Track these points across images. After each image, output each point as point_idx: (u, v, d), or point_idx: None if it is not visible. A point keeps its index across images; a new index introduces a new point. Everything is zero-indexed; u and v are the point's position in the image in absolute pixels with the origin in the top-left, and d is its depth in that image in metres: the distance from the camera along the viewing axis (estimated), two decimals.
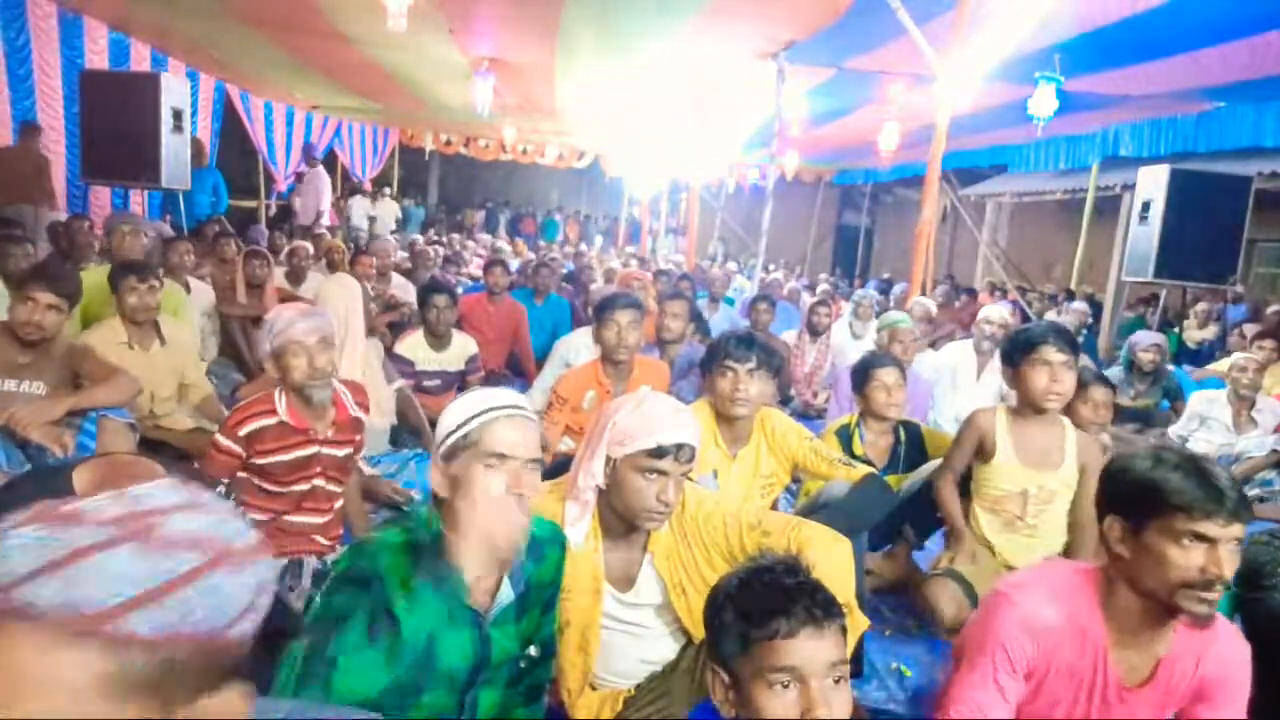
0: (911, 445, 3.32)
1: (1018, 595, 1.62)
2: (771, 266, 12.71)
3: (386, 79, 10.21)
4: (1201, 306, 8.97)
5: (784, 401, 5.71)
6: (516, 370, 5.97)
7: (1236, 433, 4.91)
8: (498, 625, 1.61)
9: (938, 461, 3.00)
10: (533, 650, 1.69)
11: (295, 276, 6.26)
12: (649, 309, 4.43)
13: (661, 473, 1.79)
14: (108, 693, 0.65)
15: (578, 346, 4.45)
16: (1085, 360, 5.48)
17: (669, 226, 19.99)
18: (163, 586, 0.69)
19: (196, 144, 9.11)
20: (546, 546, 1.71)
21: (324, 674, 1.38)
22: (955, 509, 2.79)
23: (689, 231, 12.13)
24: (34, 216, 6.89)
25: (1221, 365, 6.08)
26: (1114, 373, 5.75)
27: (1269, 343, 5.80)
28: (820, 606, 1.25)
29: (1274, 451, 4.47)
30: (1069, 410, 2.92)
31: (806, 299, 7.88)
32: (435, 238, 13.58)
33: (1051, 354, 2.55)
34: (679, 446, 1.79)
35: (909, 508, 3.03)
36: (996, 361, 5.43)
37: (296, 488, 2.63)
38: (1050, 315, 8.92)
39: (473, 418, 1.53)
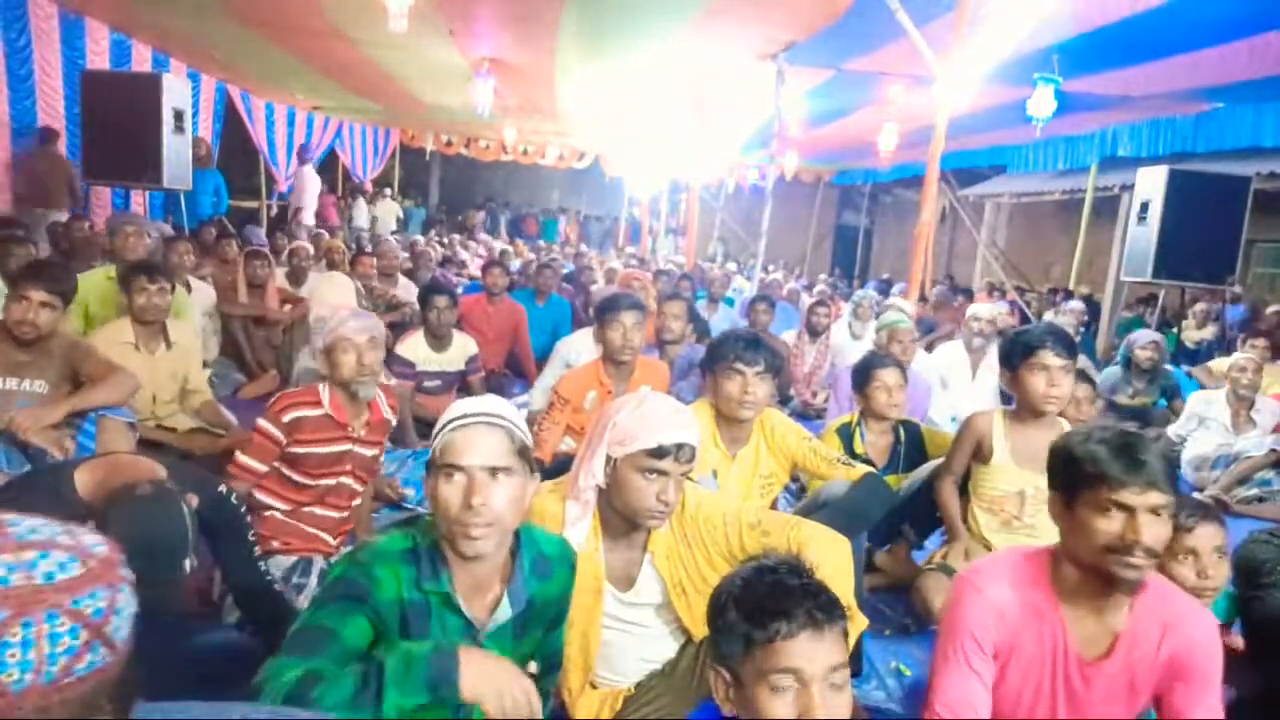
0: (911, 445, 3.34)
1: (977, 579, 1.70)
2: (771, 267, 12.72)
3: (387, 80, 10.23)
4: (1200, 307, 8.98)
5: (783, 401, 5.72)
6: (517, 370, 5.99)
7: (1235, 433, 4.92)
8: (494, 640, 1.58)
9: (937, 461, 3.02)
10: (532, 667, 1.65)
11: (295, 276, 6.27)
12: (649, 309, 4.45)
13: (662, 473, 1.80)
14: None
15: (578, 347, 4.46)
16: (1083, 361, 5.50)
17: (669, 226, 20.00)
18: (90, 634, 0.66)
19: (203, 145, 9.14)
20: (555, 565, 1.68)
21: (311, 685, 1.34)
22: (954, 511, 2.81)
23: (689, 232, 12.14)
24: (42, 218, 6.92)
25: (1219, 364, 6.08)
26: (1112, 371, 5.76)
27: (1261, 341, 5.81)
28: (822, 609, 1.26)
29: (1273, 451, 4.47)
30: None
31: (806, 299, 7.89)
32: (436, 238, 13.60)
33: (1049, 358, 2.56)
34: (679, 446, 1.80)
35: (909, 507, 3.05)
36: (990, 359, 5.47)
37: (324, 482, 2.66)
38: (1049, 315, 8.92)
39: (440, 430, 1.53)
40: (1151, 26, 5.61)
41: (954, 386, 5.39)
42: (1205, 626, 1.66)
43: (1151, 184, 7.27)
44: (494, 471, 1.49)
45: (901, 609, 2.98)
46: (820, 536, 1.95)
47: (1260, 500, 4.39)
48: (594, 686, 2.00)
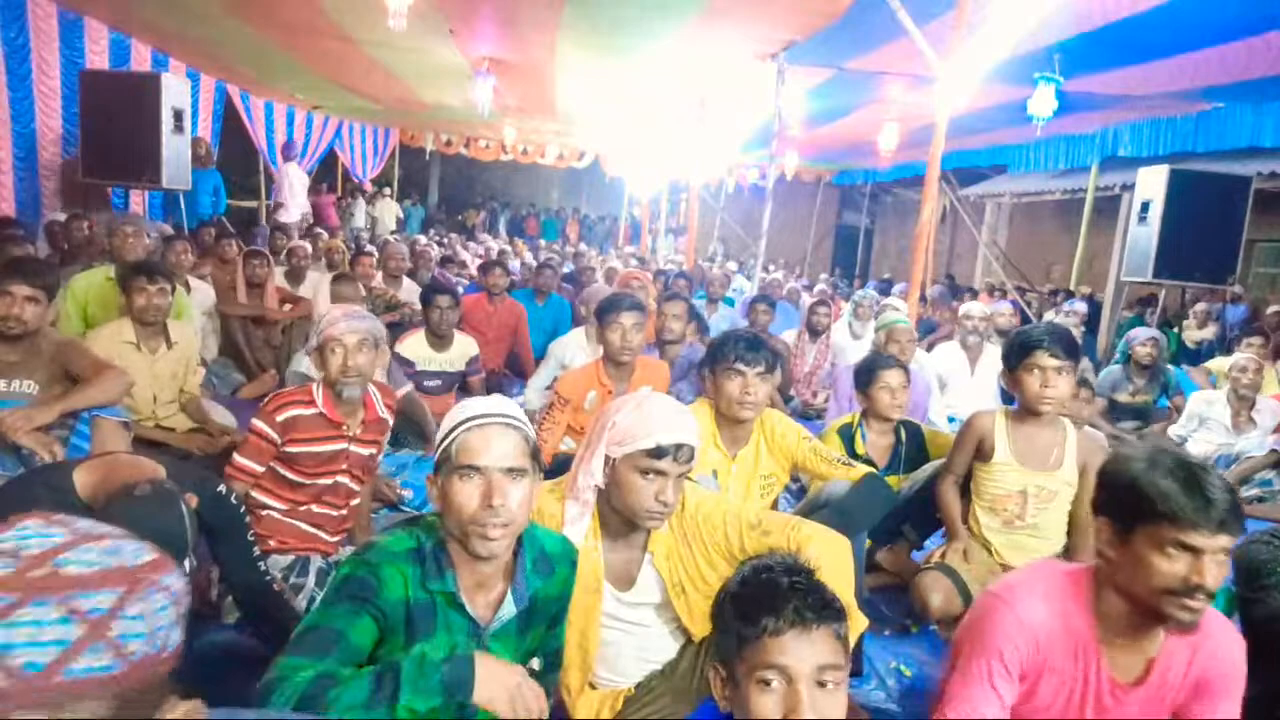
0: (912, 445, 3.34)
1: (1011, 597, 1.62)
2: (771, 266, 12.72)
3: (387, 79, 10.22)
4: (1200, 307, 8.98)
5: (784, 401, 5.72)
6: (517, 370, 5.98)
7: (1236, 433, 4.92)
8: (498, 638, 1.60)
9: (939, 462, 3.02)
10: (535, 664, 1.67)
11: (295, 276, 6.27)
12: (649, 309, 4.44)
13: (661, 473, 1.80)
14: None
15: (573, 347, 4.46)
16: (1084, 362, 5.50)
17: (669, 226, 19.99)
18: (89, 631, 0.67)
19: (203, 145, 9.13)
20: (557, 563, 1.70)
21: (325, 688, 1.35)
22: (954, 511, 2.81)
23: (689, 231, 12.12)
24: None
25: (1218, 364, 6.08)
26: (1112, 370, 5.76)
27: (1257, 339, 5.80)
28: (812, 608, 1.25)
29: (1273, 451, 4.48)
30: None
31: (806, 299, 7.88)
32: (436, 238, 13.59)
33: (1045, 359, 2.56)
34: (678, 447, 1.79)
35: (909, 508, 3.04)
36: (988, 357, 5.47)
37: (321, 481, 2.66)
38: (1049, 315, 8.92)
39: (451, 430, 1.54)
40: (1152, 26, 5.60)
41: (953, 386, 5.39)
42: (1232, 644, 1.62)
43: (1152, 184, 7.26)
44: (511, 473, 1.51)
45: (901, 609, 2.98)
46: (820, 536, 1.94)
47: (1260, 500, 4.38)
48: (593, 686, 2.00)
